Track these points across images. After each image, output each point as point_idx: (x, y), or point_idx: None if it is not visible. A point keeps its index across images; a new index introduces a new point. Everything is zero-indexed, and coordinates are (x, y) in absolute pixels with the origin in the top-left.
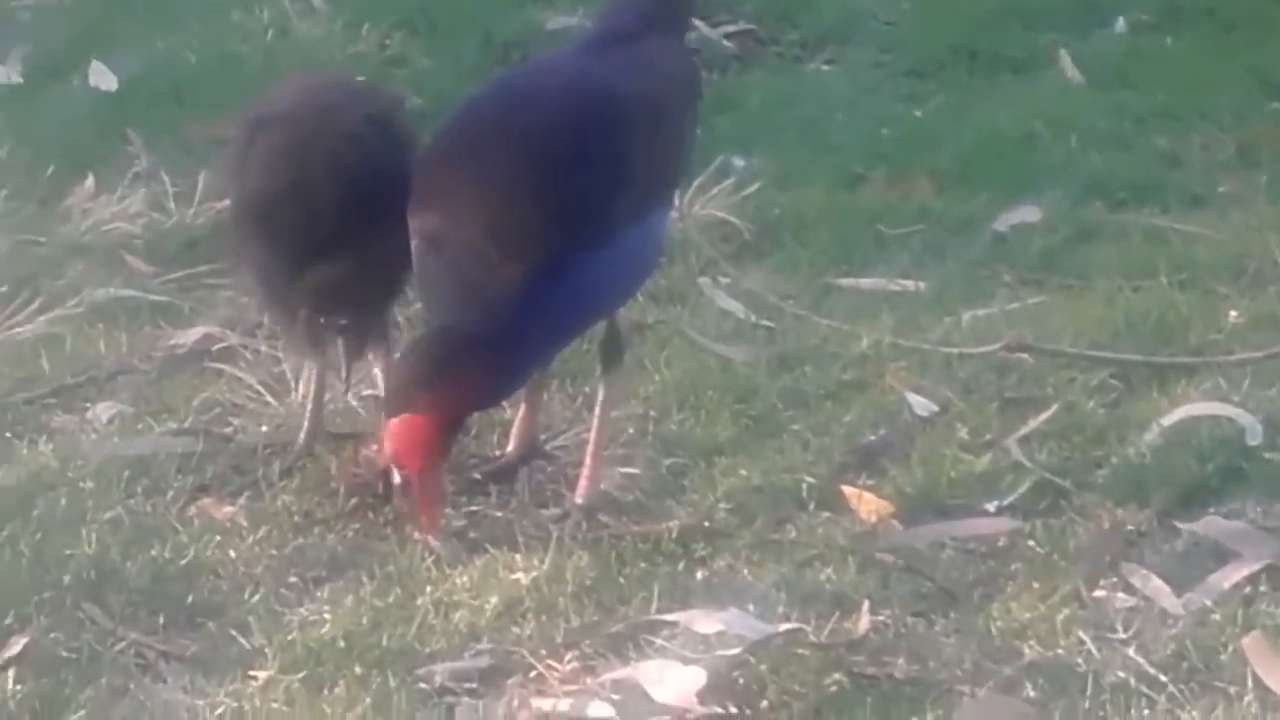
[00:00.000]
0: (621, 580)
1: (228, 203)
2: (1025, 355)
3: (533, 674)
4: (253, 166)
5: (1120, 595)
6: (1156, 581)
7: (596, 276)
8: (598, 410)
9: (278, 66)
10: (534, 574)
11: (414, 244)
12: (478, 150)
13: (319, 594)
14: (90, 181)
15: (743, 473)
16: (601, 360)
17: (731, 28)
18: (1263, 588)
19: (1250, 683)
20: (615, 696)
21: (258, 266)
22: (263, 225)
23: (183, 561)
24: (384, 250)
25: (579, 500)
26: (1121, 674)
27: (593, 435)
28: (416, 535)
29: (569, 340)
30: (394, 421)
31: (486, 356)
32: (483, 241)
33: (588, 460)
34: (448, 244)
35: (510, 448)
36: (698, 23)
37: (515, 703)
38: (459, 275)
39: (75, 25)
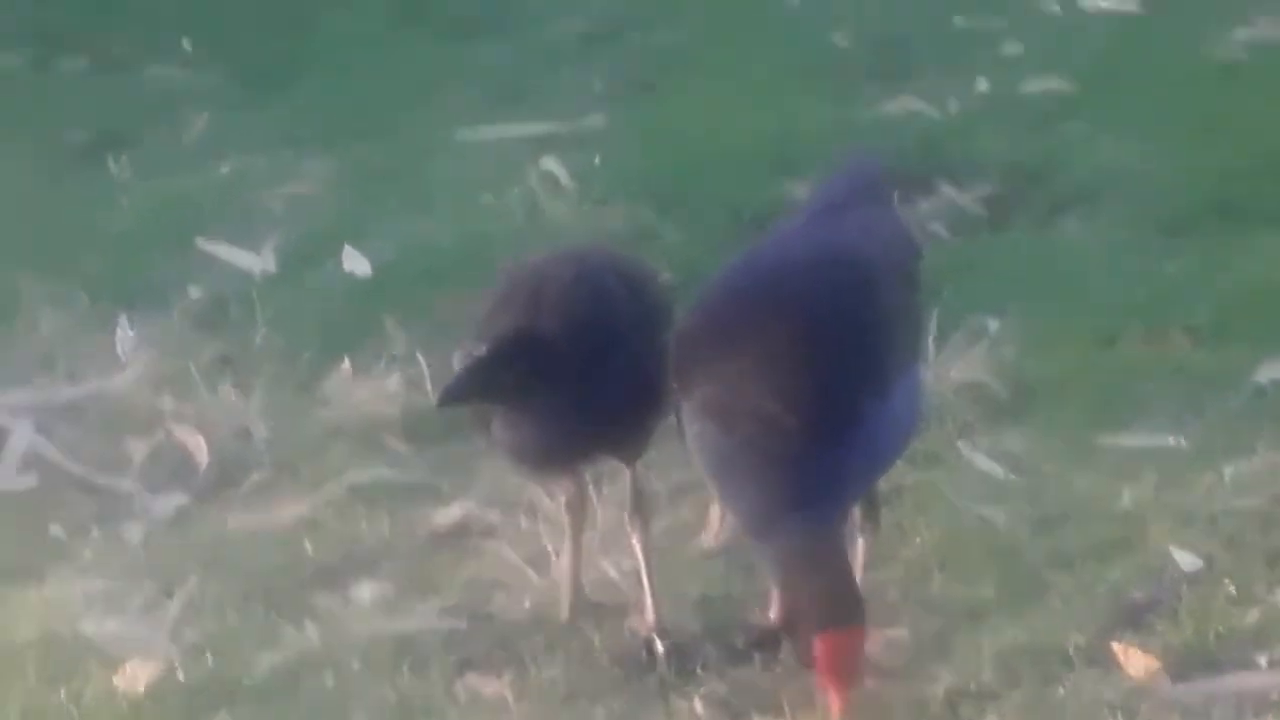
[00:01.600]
0: None
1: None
2: None
3: None
4: (512, 307)
5: None
6: None
7: (881, 432)
8: (859, 565)
9: (529, 245)
10: None
11: (693, 427)
12: (746, 327)
13: None
14: (347, 365)
15: (1008, 633)
16: (862, 521)
17: (980, 190)
18: None
19: None
20: None
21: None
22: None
23: None
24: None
25: None
26: None
27: None
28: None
29: (853, 499)
30: (819, 646)
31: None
32: (779, 415)
33: None
34: (739, 422)
35: (772, 614)
36: (945, 186)
37: None
38: (760, 453)
39: (328, 214)
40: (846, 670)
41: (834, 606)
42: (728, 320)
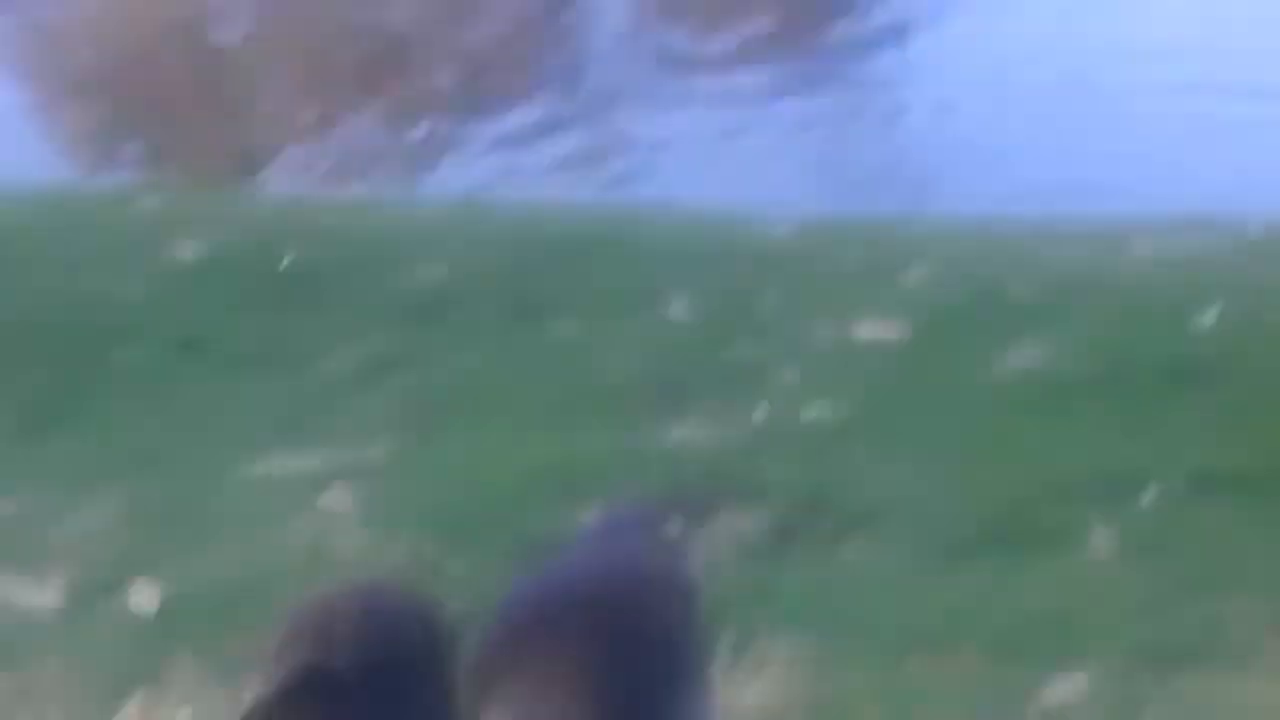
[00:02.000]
0: None
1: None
2: None
3: None
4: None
5: None
6: None
7: None
8: None
9: (316, 579)
10: None
11: None
12: (531, 663)
13: None
14: (137, 703)
15: None
16: None
17: (764, 516)
18: None
19: None
20: None
21: None
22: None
23: None
24: None
25: None
26: None
27: None
28: None
29: None
30: None
31: None
32: None
33: None
34: None
35: None
36: (729, 513)
37: None
38: None
39: (113, 549)
40: None
41: None
42: (511, 660)
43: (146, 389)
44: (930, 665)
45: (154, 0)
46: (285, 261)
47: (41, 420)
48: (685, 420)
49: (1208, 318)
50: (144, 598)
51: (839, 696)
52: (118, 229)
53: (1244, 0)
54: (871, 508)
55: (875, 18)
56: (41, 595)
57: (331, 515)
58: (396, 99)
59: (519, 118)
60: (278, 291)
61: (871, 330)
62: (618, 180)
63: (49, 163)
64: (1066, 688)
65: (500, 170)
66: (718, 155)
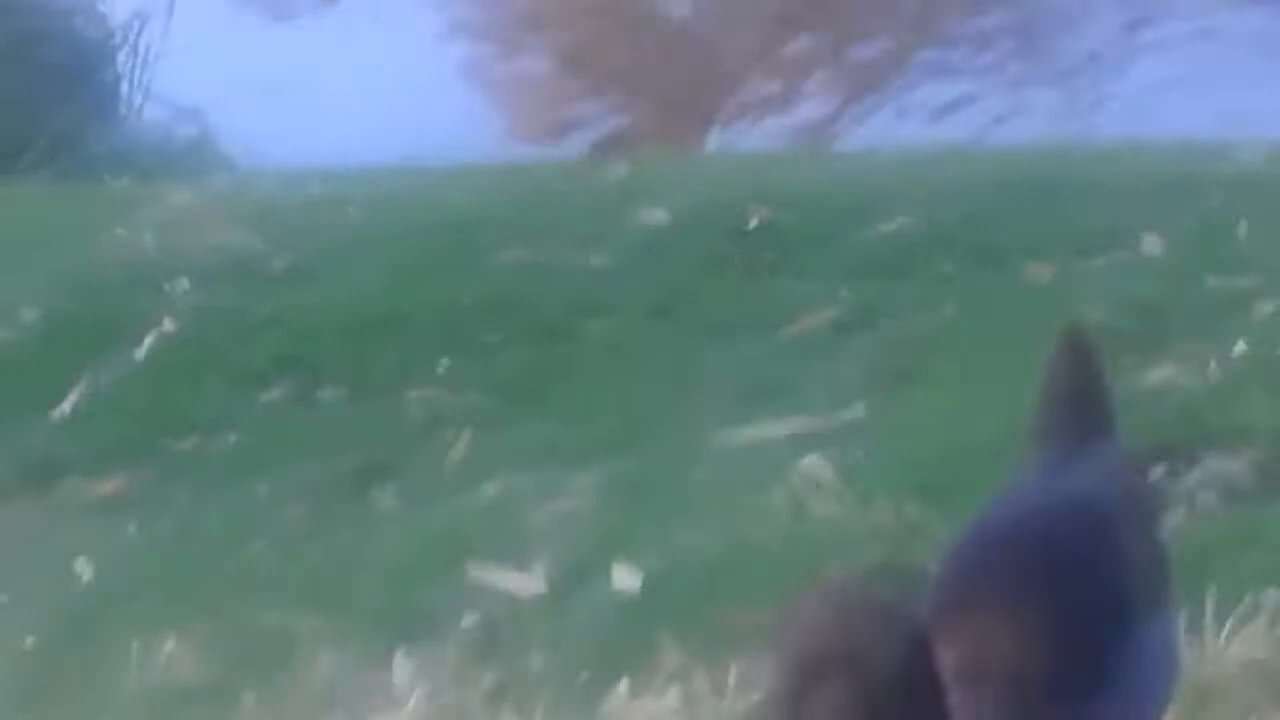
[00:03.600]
0: None
1: None
2: None
3: None
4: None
5: None
6: None
7: (1134, 687)
8: None
9: (797, 549)
10: None
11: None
12: (984, 592)
13: None
14: (624, 685)
15: None
16: None
17: (1247, 458)
18: None
19: None
20: None
21: None
22: None
23: None
24: None
25: None
26: None
27: None
28: None
29: None
30: None
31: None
32: (1025, 675)
33: None
34: (992, 685)
35: None
36: (1210, 456)
37: None
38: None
39: (594, 528)
40: None
41: None
42: (968, 591)
43: (619, 360)
44: None
45: None
46: (753, 223)
47: (518, 401)
48: (1163, 360)
49: None
50: (626, 578)
51: None
52: (583, 199)
53: None
54: None
55: None
56: (526, 581)
57: (810, 482)
58: (844, 55)
59: (967, 60)
60: (745, 253)
61: None
62: (1075, 116)
63: (519, 138)
64: None
65: (957, 119)
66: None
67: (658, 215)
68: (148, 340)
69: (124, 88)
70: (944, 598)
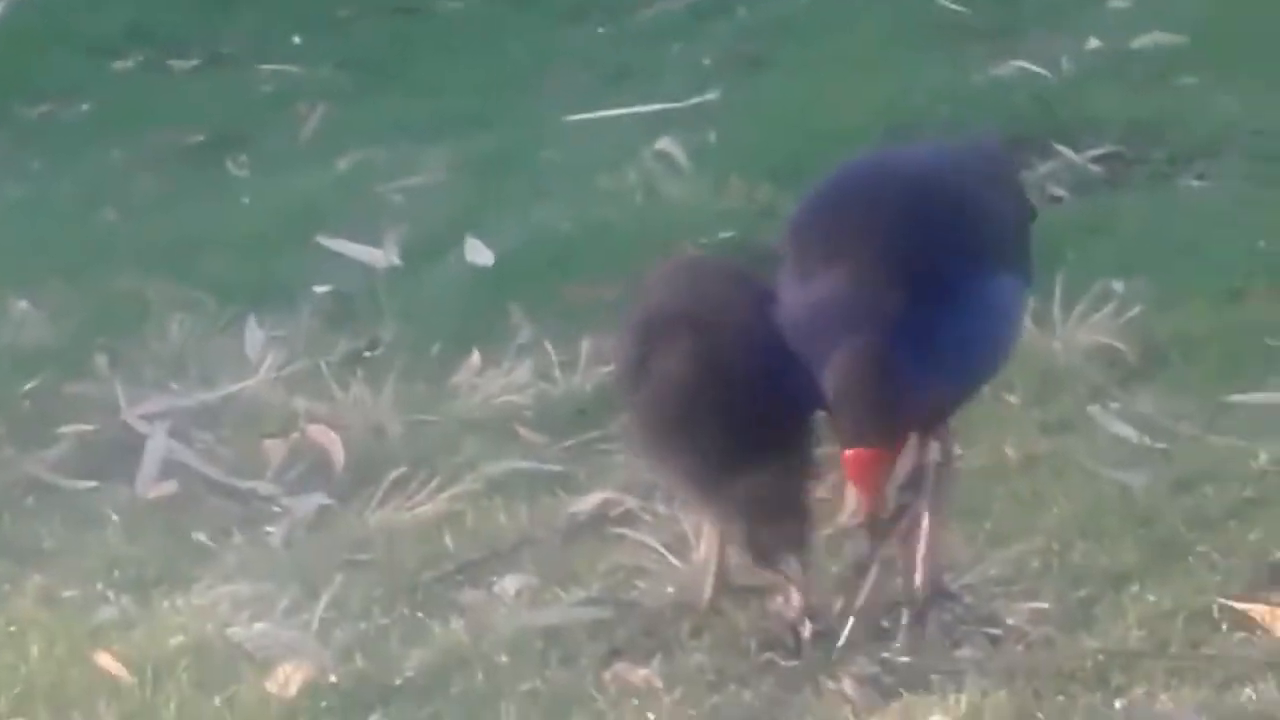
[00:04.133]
0: (1040, 715)
1: (630, 408)
2: None
3: None
4: (655, 377)
5: None
6: None
7: (972, 317)
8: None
9: (649, 228)
10: (951, 715)
11: (790, 293)
12: (849, 205)
13: None
14: (476, 357)
15: (1152, 598)
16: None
17: (1097, 150)
18: None
19: None
20: None
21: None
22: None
23: None
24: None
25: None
26: None
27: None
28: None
29: (952, 387)
30: (849, 455)
31: (905, 367)
32: (867, 274)
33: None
34: (830, 283)
35: (917, 585)
36: (1061, 148)
37: None
38: (842, 309)
39: (447, 204)
40: (870, 484)
41: (868, 425)
42: (831, 204)
43: (475, 38)
44: (1270, 299)
45: None
46: None
47: (371, 75)
48: (1016, 52)
49: None
50: (479, 252)
51: (1178, 332)
52: None
53: None
54: (1207, 138)
55: None
56: (379, 253)
57: (663, 163)
58: None
59: None
60: None
61: None
62: None
63: None
64: None
65: None
66: None
67: None
68: None
69: None
70: (794, 225)
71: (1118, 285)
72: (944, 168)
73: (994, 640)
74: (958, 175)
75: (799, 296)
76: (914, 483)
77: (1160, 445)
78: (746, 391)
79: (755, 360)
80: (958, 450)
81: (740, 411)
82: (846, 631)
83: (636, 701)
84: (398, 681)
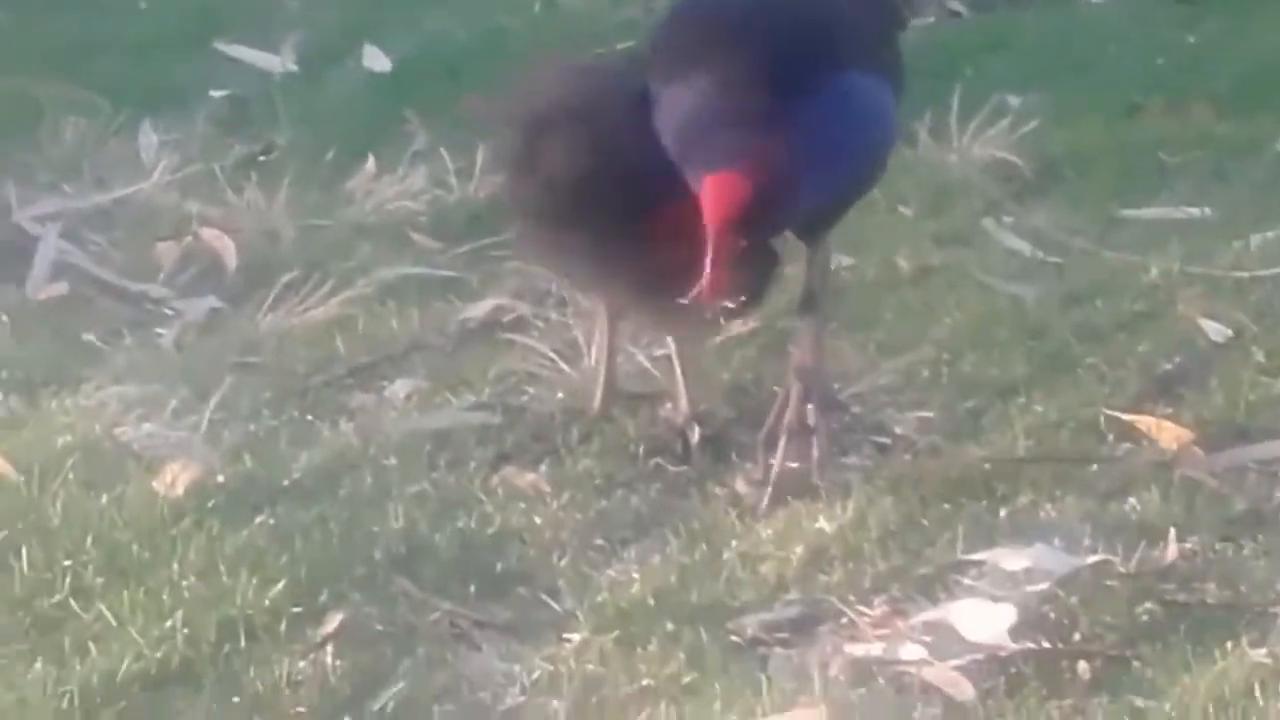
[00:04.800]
0: (925, 523)
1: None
2: None
3: (843, 621)
4: (537, 169)
5: None
6: None
7: (839, 117)
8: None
9: (546, 38)
10: (837, 522)
11: (661, 105)
12: (706, 20)
13: (626, 555)
14: (371, 163)
15: (1039, 409)
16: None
17: None
18: None
19: None
20: (927, 638)
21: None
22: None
23: (490, 531)
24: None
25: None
26: None
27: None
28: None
29: (822, 187)
30: (711, 178)
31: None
32: (733, 78)
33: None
34: (697, 90)
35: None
36: None
37: (828, 650)
38: (712, 111)
39: (345, 11)
40: (721, 213)
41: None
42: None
43: None
44: (1166, 115)
45: None
46: None
47: None
48: None
49: None
50: (376, 59)
51: (1073, 147)
52: None
53: None
54: None
55: None
56: (276, 59)
57: None
58: None
59: None
60: None
61: None
62: None
63: None
64: None
65: None
66: None
67: None
68: None
69: None
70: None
71: (1014, 100)
72: None
73: (881, 449)
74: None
75: (668, 107)
76: (805, 303)
77: (1053, 259)
78: (630, 172)
79: (636, 145)
80: (846, 261)
81: (628, 186)
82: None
83: (523, 505)
84: (285, 483)
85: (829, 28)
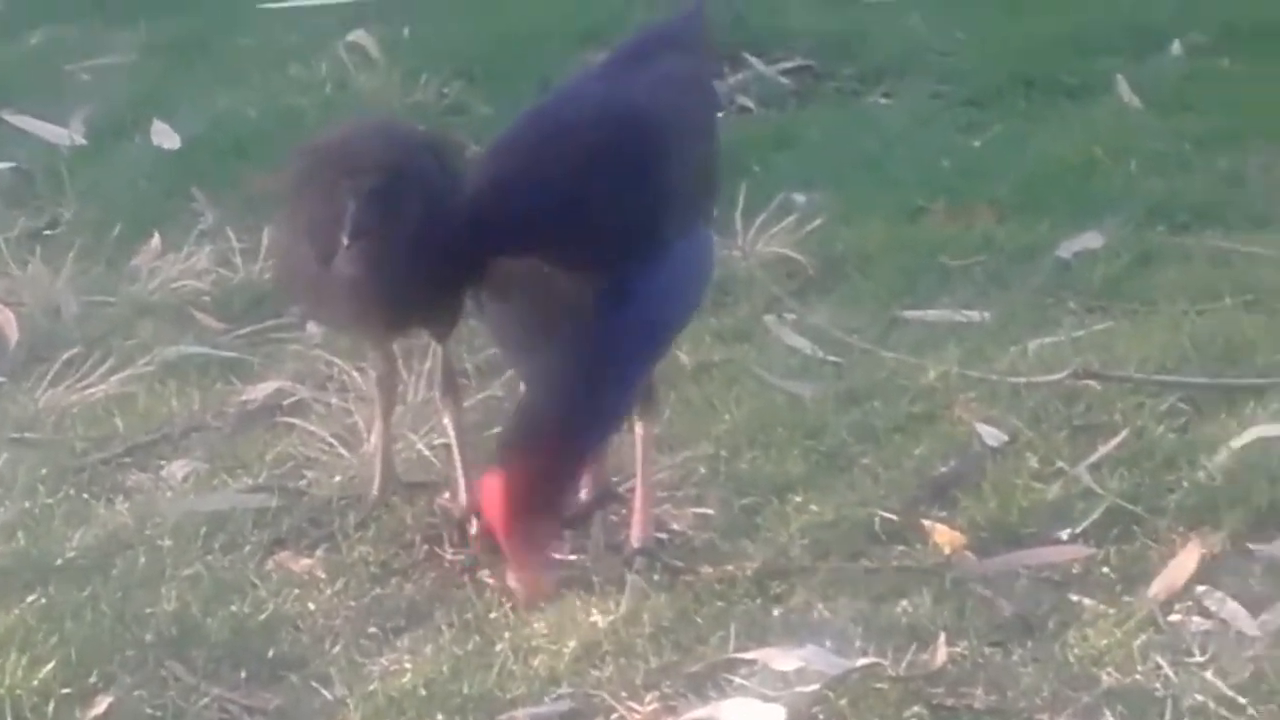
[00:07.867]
0: (699, 620)
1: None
2: (1092, 382)
3: (614, 716)
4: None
5: (1196, 619)
6: (1232, 604)
7: (661, 291)
8: (639, 453)
9: (338, 117)
10: (611, 617)
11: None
12: (523, 185)
13: (399, 643)
14: (156, 240)
15: (815, 509)
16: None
17: (787, 64)
18: None
19: None
20: None
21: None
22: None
23: (262, 616)
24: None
25: (635, 544)
26: (1200, 697)
27: (638, 478)
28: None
29: (645, 368)
30: (487, 479)
31: (571, 413)
32: (551, 275)
33: (638, 504)
34: (514, 284)
35: (583, 492)
36: (753, 60)
37: None
38: (531, 311)
39: (136, 85)
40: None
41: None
42: (505, 183)
43: None
44: (950, 218)
45: None
46: None
47: None
48: None
49: None
50: (166, 135)
51: (857, 247)
52: None
53: None
54: (894, 58)
55: None
56: (64, 132)
57: (355, 55)
58: None
59: None
60: None
61: None
62: None
63: None
64: (1083, 242)
65: None
66: None
67: None
68: None
69: None
70: (477, 198)
71: (800, 198)
72: (639, 128)
73: (658, 543)
74: (643, 138)
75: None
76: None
77: (832, 358)
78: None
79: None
80: None
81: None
82: None
83: (298, 591)
84: (58, 561)
85: (653, 200)
